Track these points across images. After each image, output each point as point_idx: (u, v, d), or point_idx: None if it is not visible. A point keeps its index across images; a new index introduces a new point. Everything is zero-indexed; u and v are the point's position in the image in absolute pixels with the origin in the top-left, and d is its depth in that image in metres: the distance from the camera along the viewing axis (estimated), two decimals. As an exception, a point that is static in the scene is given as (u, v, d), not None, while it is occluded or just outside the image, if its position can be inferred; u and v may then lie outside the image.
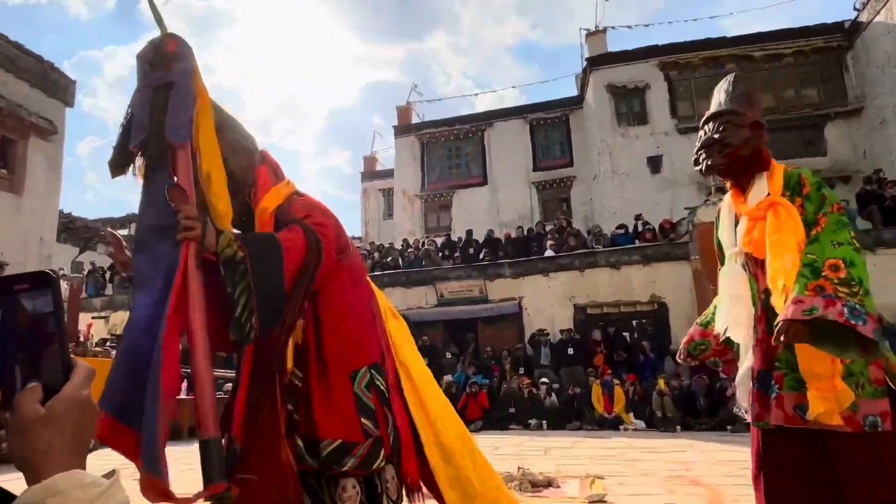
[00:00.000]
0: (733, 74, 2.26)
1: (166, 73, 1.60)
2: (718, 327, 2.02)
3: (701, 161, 2.11)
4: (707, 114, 2.16)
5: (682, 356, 2.32)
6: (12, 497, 0.53)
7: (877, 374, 1.70)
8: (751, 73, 18.17)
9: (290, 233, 1.63)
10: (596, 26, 20.34)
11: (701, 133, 2.15)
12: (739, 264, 1.99)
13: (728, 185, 2.16)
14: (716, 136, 2.03)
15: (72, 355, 0.59)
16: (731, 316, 1.96)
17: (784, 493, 1.78)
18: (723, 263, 2.12)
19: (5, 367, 0.56)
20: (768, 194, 1.95)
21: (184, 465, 5.58)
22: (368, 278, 1.98)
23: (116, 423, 1.39)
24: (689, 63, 18.48)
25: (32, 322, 0.57)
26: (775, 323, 1.66)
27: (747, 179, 2.05)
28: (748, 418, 1.89)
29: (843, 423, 1.61)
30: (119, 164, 1.67)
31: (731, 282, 2.01)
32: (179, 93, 1.59)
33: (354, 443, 1.57)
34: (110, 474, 0.56)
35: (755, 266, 1.94)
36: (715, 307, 2.13)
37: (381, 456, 1.61)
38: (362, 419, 1.61)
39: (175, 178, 1.55)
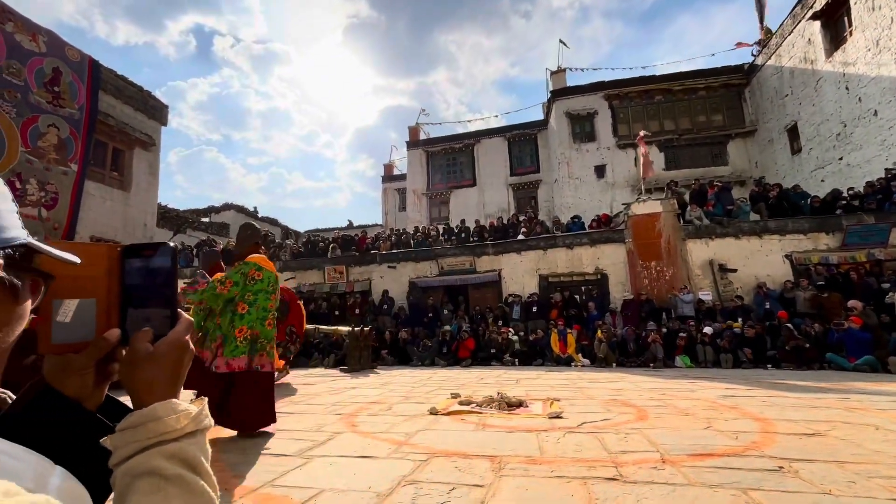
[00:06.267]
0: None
1: None
2: None
3: None
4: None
5: None
6: (126, 410, 0.52)
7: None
8: (672, 103, 17.93)
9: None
10: (558, 67, 19.94)
11: None
12: None
13: None
14: None
15: (178, 310, 0.56)
16: None
17: None
18: None
19: (129, 312, 0.53)
20: None
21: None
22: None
23: None
24: (628, 95, 18.20)
25: (152, 280, 0.54)
26: None
27: None
28: None
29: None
30: None
31: None
32: None
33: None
34: (199, 402, 0.54)
35: None
36: None
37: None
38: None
39: None
